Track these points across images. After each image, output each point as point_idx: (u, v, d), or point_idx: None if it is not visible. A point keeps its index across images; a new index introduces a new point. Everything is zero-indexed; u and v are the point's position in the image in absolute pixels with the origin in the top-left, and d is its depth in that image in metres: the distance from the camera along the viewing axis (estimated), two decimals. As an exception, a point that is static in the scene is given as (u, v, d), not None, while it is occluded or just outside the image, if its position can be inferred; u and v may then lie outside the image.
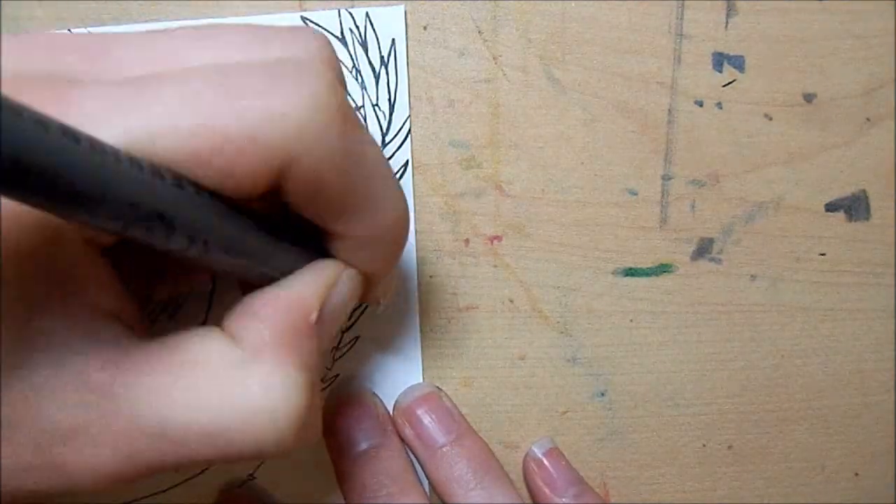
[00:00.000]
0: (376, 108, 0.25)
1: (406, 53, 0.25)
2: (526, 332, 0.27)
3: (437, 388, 0.26)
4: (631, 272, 0.27)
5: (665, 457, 0.27)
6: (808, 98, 0.27)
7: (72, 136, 0.12)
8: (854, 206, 0.28)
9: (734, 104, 0.27)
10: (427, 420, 0.25)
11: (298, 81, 0.16)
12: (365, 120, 0.25)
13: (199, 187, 0.15)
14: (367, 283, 0.20)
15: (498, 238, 0.26)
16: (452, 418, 0.26)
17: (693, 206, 0.27)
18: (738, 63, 0.27)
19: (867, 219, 0.28)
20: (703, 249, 0.27)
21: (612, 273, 0.27)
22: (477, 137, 0.26)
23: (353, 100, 0.25)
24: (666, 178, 0.27)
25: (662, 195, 0.27)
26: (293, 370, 0.17)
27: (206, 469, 0.26)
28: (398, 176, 0.25)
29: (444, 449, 0.25)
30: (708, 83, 0.27)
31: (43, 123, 0.11)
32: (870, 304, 0.28)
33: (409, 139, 0.25)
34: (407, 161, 0.25)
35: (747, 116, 0.27)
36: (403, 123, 0.25)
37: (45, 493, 0.16)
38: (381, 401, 0.26)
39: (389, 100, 0.25)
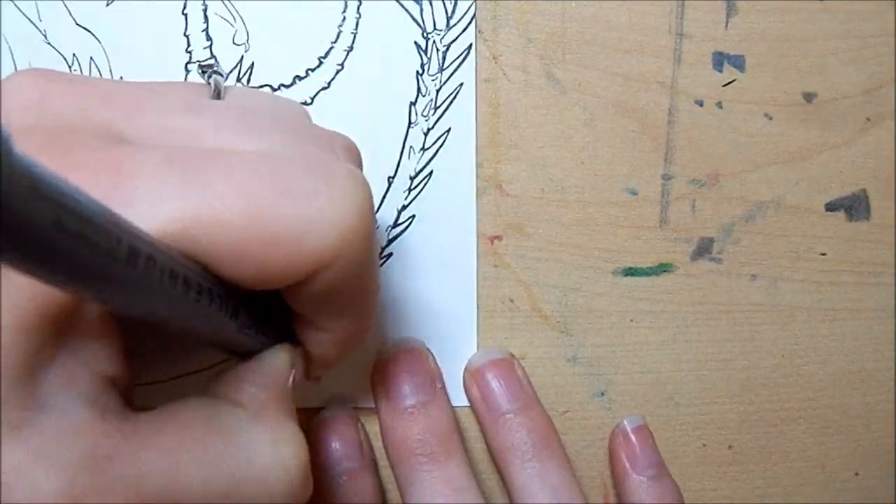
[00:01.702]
0: None
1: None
2: (526, 331, 0.27)
3: (512, 355, 0.26)
4: (631, 272, 0.27)
5: (665, 457, 0.27)
6: (808, 98, 0.27)
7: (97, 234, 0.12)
8: (854, 206, 0.28)
9: (734, 104, 0.27)
10: (495, 385, 0.25)
11: (345, 188, 0.16)
12: (431, 4, 0.25)
13: (210, 291, 0.15)
14: (317, 365, 0.21)
15: (498, 238, 0.26)
16: (521, 387, 0.25)
17: (693, 206, 0.27)
18: (738, 63, 0.27)
19: (867, 219, 0.28)
20: (703, 249, 0.27)
21: (612, 273, 0.27)
22: (477, 137, 0.26)
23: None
24: (666, 177, 0.27)
25: (662, 195, 0.27)
26: (294, 425, 0.18)
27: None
28: (462, 59, 0.25)
29: (507, 416, 0.25)
30: (708, 83, 0.27)
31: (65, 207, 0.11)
32: (870, 303, 0.28)
33: (472, 24, 0.25)
34: (470, 45, 0.26)
35: (747, 116, 0.27)
36: (467, 10, 0.25)
37: None
38: (433, 356, 0.26)
39: None
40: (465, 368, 0.26)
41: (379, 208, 0.26)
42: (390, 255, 0.26)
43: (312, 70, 0.25)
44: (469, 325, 0.26)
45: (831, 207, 0.28)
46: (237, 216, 0.15)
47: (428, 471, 0.24)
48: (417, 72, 0.25)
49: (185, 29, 0.25)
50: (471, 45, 0.26)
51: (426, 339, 0.26)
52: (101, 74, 0.24)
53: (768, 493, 0.28)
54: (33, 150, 0.14)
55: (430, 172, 0.26)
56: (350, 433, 0.25)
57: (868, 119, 0.28)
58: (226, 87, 0.21)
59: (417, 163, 0.26)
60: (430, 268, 0.26)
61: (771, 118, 0.27)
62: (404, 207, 0.26)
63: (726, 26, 0.27)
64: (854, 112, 0.27)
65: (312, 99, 0.25)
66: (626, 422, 0.27)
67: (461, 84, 0.26)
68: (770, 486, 0.28)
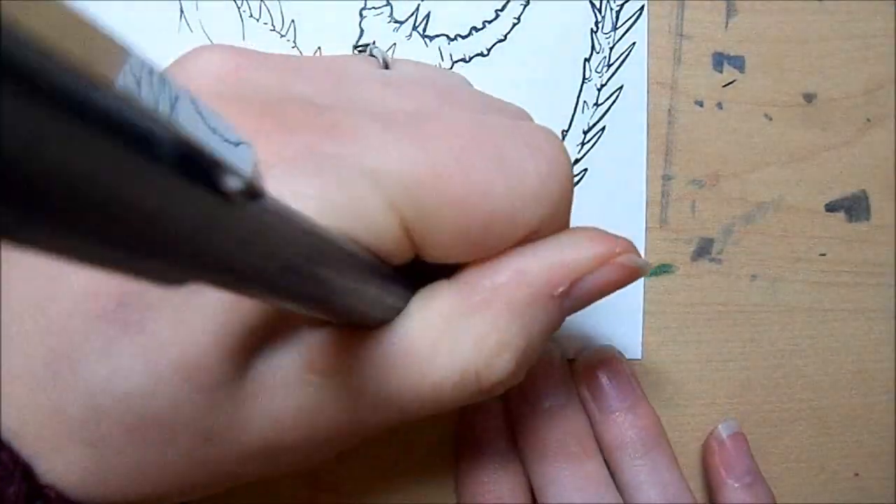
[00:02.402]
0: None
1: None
2: (526, 332, 0.27)
3: (620, 353, 0.26)
4: (631, 272, 0.27)
5: (665, 457, 0.27)
6: (808, 98, 0.27)
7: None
8: (854, 207, 0.28)
9: (734, 104, 0.27)
10: (605, 383, 0.25)
11: (549, 157, 0.16)
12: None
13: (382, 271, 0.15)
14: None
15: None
16: (630, 385, 0.25)
17: (693, 207, 0.27)
18: (738, 63, 0.27)
19: (867, 219, 0.28)
20: (703, 249, 0.27)
21: (612, 273, 0.27)
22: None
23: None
24: (666, 178, 0.27)
25: (662, 195, 0.27)
26: (513, 332, 0.16)
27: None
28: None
29: (616, 414, 0.25)
30: (708, 83, 0.27)
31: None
32: (870, 304, 0.28)
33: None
34: (643, 6, 0.26)
35: (747, 116, 0.27)
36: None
37: (274, 475, 0.17)
38: (566, 362, 0.26)
39: None
40: (574, 367, 0.26)
41: None
42: None
43: (489, 22, 0.25)
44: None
45: (831, 208, 0.28)
46: (456, 176, 0.15)
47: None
48: (592, 29, 0.26)
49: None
50: (643, 6, 0.26)
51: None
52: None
53: (768, 493, 0.28)
54: (247, 119, 0.15)
55: (603, 128, 0.26)
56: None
57: (868, 119, 0.28)
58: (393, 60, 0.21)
59: (590, 118, 0.26)
60: (601, 220, 0.26)
61: (771, 118, 0.27)
62: (577, 161, 0.26)
63: (726, 27, 0.27)
64: (854, 112, 0.27)
65: (489, 50, 0.25)
66: (721, 428, 0.27)
67: (634, 43, 0.26)
68: (770, 486, 0.28)
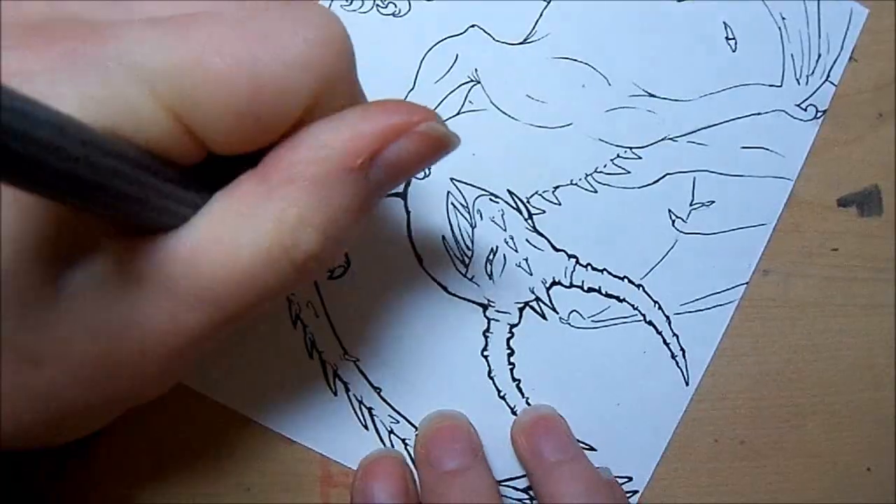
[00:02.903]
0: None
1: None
2: (539, 326, 0.27)
3: (558, 413, 0.26)
4: (643, 267, 0.27)
5: (677, 452, 0.27)
6: (821, 93, 0.27)
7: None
8: (866, 202, 0.28)
9: (747, 99, 0.27)
10: (544, 437, 0.25)
11: (319, 27, 0.16)
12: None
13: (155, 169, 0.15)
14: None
15: (511, 233, 0.26)
16: (570, 441, 0.26)
17: (705, 202, 0.27)
18: (751, 58, 0.27)
19: (879, 214, 0.28)
20: (716, 244, 0.27)
21: (625, 268, 0.27)
22: (490, 132, 0.26)
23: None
24: (678, 173, 0.27)
25: (674, 190, 0.27)
26: (313, 206, 0.16)
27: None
28: None
29: (557, 466, 0.25)
30: (721, 78, 0.27)
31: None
32: (882, 299, 0.28)
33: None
34: None
35: (760, 111, 0.27)
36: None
37: (135, 402, 0.17)
38: (475, 430, 0.26)
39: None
40: (514, 424, 0.26)
41: None
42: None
43: None
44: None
45: (843, 203, 0.28)
46: (218, 57, 0.15)
47: None
48: None
49: None
50: None
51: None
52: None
53: (780, 488, 0.28)
54: (10, 45, 0.15)
55: None
56: (400, 472, 0.25)
57: (880, 115, 0.28)
58: None
59: None
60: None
61: (783, 113, 0.27)
62: None
63: (738, 22, 0.27)
64: (866, 108, 0.27)
65: None
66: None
67: None
68: (782, 481, 0.28)
